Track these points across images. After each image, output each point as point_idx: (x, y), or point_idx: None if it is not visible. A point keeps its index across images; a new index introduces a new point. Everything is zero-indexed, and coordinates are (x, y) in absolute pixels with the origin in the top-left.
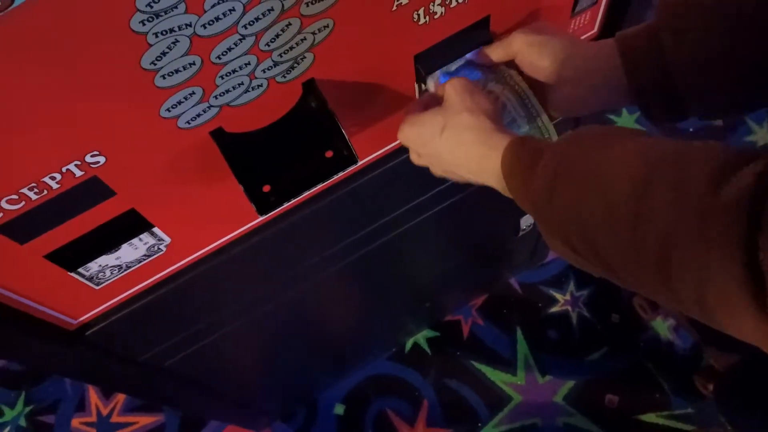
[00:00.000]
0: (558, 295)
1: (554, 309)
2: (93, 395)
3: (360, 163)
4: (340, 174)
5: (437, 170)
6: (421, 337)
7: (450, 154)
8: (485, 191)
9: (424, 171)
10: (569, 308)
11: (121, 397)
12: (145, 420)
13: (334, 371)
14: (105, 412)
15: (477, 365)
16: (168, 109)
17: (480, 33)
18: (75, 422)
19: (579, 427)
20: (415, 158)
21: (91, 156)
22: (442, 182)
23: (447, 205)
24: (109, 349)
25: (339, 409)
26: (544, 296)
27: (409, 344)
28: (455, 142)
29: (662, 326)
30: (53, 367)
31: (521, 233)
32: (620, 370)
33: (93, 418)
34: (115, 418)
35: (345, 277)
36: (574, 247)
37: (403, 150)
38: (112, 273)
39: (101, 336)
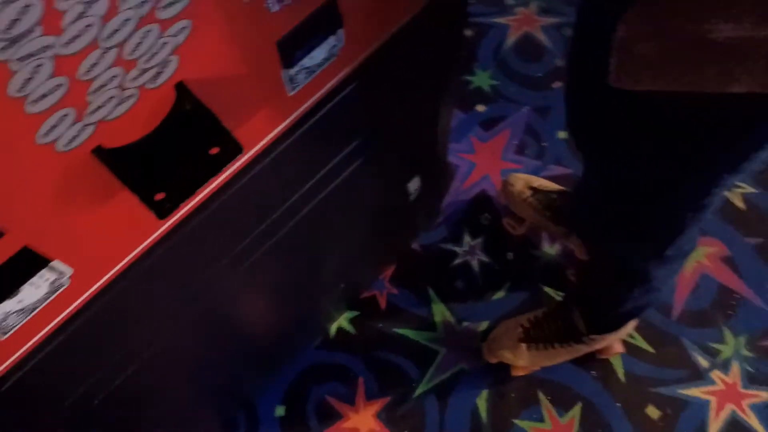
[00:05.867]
0: (457, 249)
1: (456, 261)
2: None
3: (250, 153)
4: (230, 166)
5: None
6: (343, 319)
7: None
8: (370, 164)
9: (312, 153)
10: (469, 258)
11: None
12: None
13: (266, 373)
14: None
15: (399, 331)
16: (44, 135)
17: (331, 13)
18: None
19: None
20: None
21: None
22: (329, 161)
23: (338, 183)
24: (32, 400)
25: (280, 411)
26: (446, 252)
27: (333, 329)
28: None
29: (551, 253)
30: None
31: (411, 197)
32: (524, 300)
33: None
34: None
35: (257, 274)
36: None
37: (288, 134)
38: (17, 319)
39: (20, 388)
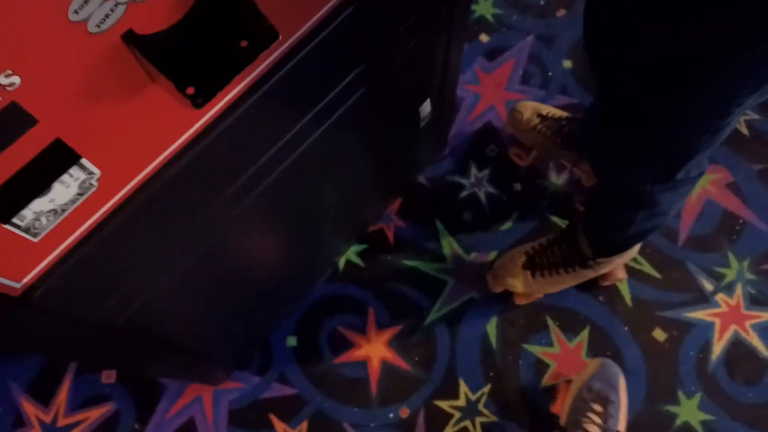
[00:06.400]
0: (463, 181)
1: (463, 194)
2: (28, 406)
3: (285, 45)
4: (265, 54)
5: None
6: (351, 253)
7: None
8: (382, 85)
9: (323, 72)
10: (476, 189)
11: (61, 399)
12: (96, 413)
13: (278, 307)
14: (48, 419)
15: (408, 263)
16: (76, 11)
17: None
18: None
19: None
20: None
21: (5, 77)
22: (340, 81)
23: (350, 105)
24: (62, 311)
25: (292, 341)
26: (452, 185)
27: (342, 263)
28: None
29: (558, 183)
30: (5, 341)
31: (423, 123)
32: (531, 230)
33: (38, 430)
34: (63, 422)
35: (265, 204)
36: None
37: (326, 23)
38: (48, 220)
39: (50, 297)
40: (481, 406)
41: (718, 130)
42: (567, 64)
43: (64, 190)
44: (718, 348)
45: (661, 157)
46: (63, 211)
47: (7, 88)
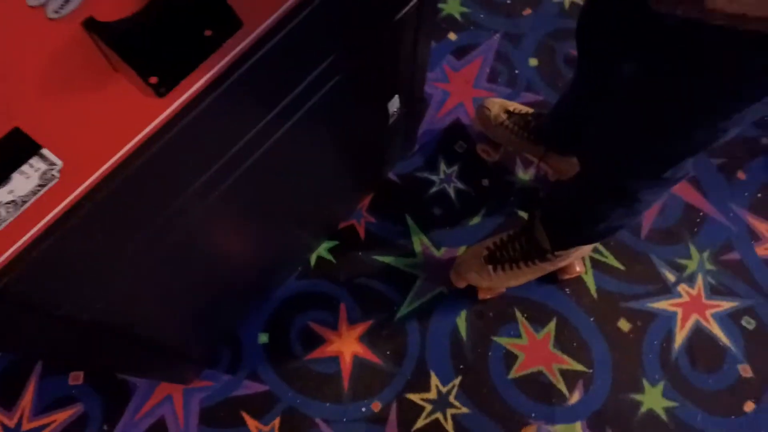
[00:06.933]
0: (433, 177)
1: (433, 190)
2: None
3: (252, 36)
4: (231, 44)
5: None
6: (323, 249)
7: None
8: (350, 80)
9: (290, 64)
10: (445, 185)
11: (26, 402)
12: (63, 415)
13: (249, 303)
14: (12, 423)
15: (379, 258)
16: None
17: None
18: None
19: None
20: None
21: None
22: (308, 74)
23: (317, 100)
24: (24, 306)
25: (263, 338)
26: (422, 181)
27: (313, 259)
28: None
29: (524, 178)
30: None
31: (391, 119)
32: (500, 225)
33: None
34: (28, 425)
35: (233, 198)
36: None
37: (290, 18)
38: (7, 212)
39: (11, 291)
40: (452, 398)
41: (714, 136)
42: (533, 62)
43: (24, 181)
44: (680, 337)
45: (652, 156)
46: (23, 202)
47: None
